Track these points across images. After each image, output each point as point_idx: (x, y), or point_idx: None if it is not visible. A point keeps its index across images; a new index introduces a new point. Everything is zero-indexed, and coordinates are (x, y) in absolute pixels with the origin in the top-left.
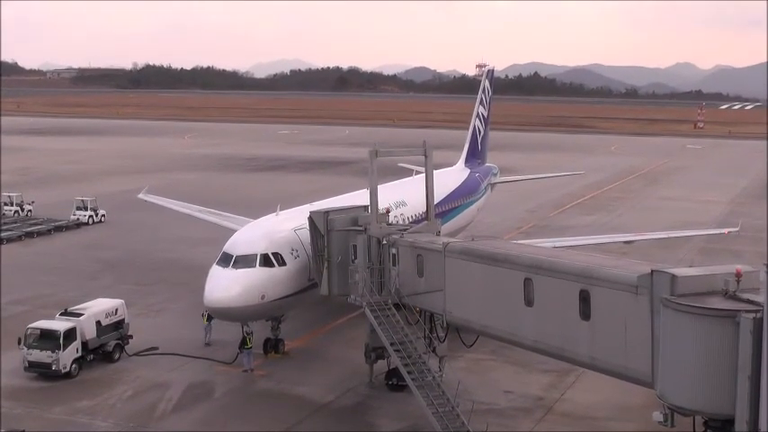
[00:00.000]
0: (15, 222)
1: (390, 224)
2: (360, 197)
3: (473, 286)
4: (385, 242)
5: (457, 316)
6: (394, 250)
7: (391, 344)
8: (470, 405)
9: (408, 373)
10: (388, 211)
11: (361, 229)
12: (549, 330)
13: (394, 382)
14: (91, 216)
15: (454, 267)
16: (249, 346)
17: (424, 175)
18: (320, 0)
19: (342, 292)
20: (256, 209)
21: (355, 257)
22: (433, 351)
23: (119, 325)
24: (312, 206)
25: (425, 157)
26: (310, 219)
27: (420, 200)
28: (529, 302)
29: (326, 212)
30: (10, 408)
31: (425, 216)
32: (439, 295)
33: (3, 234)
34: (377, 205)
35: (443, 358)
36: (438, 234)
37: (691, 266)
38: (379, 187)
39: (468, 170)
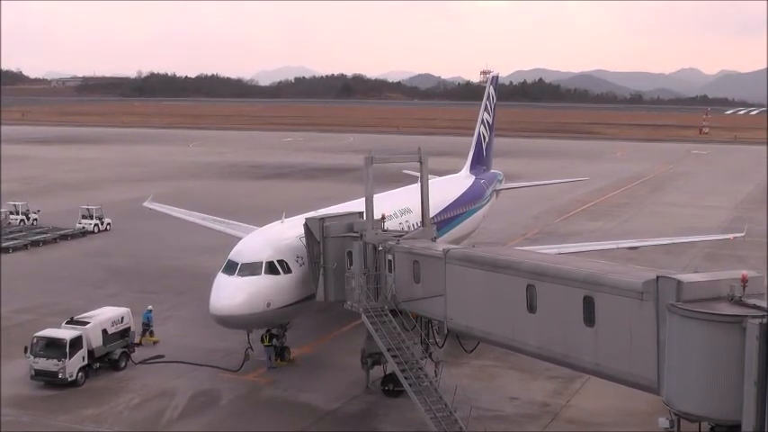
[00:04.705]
0: (21, 231)
1: (386, 230)
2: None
3: (474, 293)
4: (381, 248)
5: (458, 323)
6: (390, 256)
7: (388, 349)
8: (473, 411)
9: (405, 378)
10: (383, 218)
11: (356, 235)
12: (552, 337)
13: (390, 387)
14: (96, 224)
15: (455, 274)
16: (268, 343)
17: (430, 181)
18: (325, 4)
19: (338, 298)
20: (261, 216)
21: (351, 264)
22: (430, 356)
23: (125, 333)
24: (318, 213)
25: (420, 163)
26: (306, 225)
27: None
28: (532, 309)
29: (322, 219)
30: (17, 416)
31: (432, 222)
32: (438, 302)
33: (9, 243)
34: (372, 212)
35: (439, 363)
36: (434, 240)
37: (696, 272)
38: (384, 194)
39: (473, 177)
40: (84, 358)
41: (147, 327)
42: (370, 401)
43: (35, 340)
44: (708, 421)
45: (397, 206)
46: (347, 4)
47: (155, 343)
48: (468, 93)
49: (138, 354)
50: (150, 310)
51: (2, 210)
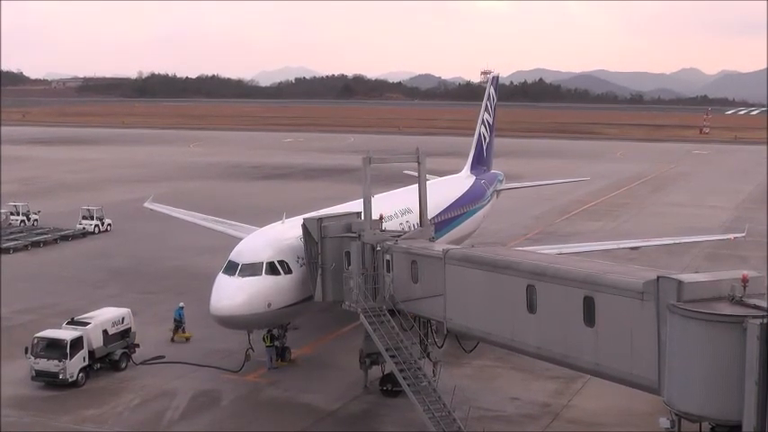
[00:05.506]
0: (22, 232)
1: (384, 231)
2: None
3: (474, 293)
4: (379, 248)
5: (458, 323)
6: (388, 256)
7: (386, 349)
8: (474, 412)
9: (404, 378)
10: (381, 218)
11: (354, 235)
12: (552, 337)
13: (388, 387)
14: (97, 225)
15: (454, 274)
16: (269, 344)
17: (431, 181)
18: (325, 4)
19: (336, 298)
20: (262, 217)
21: (349, 264)
22: (428, 356)
23: (125, 334)
24: (317, 214)
25: (418, 163)
26: (304, 225)
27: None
28: (531, 309)
29: (320, 219)
30: (18, 417)
31: (432, 222)
32: (437, 302)
33: (10, 244)
34: (371, 212)
35: (437, 363)
36: (431, 240)
37: (697, 272)
38: (385, 195)
39: (474, 177)
40: (84, 359)
41: (179, 323)
42: (371, 402)
43: (36, 341)
44: (708, 421)
45: (397, 206)
46: (347, 4)
47: (187, 339)
48: (468, 93)
49: (138, 354)
50: (182, 307)
51: (2, 210)
